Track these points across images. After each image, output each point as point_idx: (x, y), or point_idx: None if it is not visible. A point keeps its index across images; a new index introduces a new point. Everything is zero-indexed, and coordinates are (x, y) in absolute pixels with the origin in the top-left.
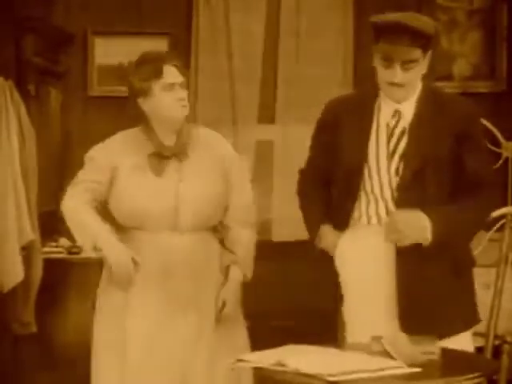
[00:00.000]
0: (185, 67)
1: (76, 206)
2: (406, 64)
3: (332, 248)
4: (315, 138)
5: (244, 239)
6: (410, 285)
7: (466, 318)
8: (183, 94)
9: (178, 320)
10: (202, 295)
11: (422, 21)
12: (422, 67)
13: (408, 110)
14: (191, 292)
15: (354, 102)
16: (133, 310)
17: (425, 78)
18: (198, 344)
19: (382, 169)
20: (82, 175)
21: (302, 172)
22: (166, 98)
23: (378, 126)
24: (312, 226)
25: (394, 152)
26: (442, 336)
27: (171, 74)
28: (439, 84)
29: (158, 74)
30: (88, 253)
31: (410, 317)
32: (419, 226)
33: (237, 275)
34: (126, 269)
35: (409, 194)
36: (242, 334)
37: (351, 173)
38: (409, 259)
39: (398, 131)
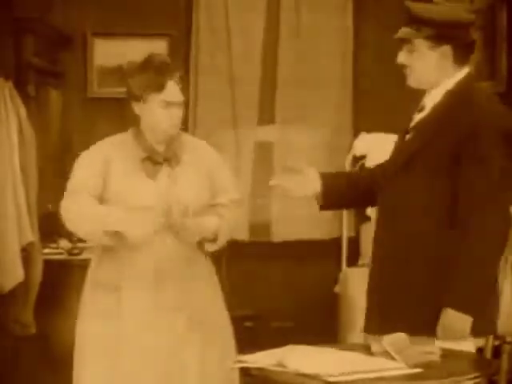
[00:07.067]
0: (185, 75)
1: (79, 206)
2: (405, 44)
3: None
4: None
5: (229, 214)
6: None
7: None
8: (178, 113)
9: (168, 322)
10: (191, 297)
11: (426, 7)
12: (431, 58)
13: (429, 102)
14: (181, 294)
15: None
16: (124, 311)
17: (468, 76)
18: (188, 346)
19: None
20: (76, 181)
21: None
22: (160, 113)
23: None
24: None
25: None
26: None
27: (173, 92)
28: None
29: (160, 88)
30: (87, 254)
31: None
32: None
33: (219, 226)
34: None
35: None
36: (229, 337)
37: None
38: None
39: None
